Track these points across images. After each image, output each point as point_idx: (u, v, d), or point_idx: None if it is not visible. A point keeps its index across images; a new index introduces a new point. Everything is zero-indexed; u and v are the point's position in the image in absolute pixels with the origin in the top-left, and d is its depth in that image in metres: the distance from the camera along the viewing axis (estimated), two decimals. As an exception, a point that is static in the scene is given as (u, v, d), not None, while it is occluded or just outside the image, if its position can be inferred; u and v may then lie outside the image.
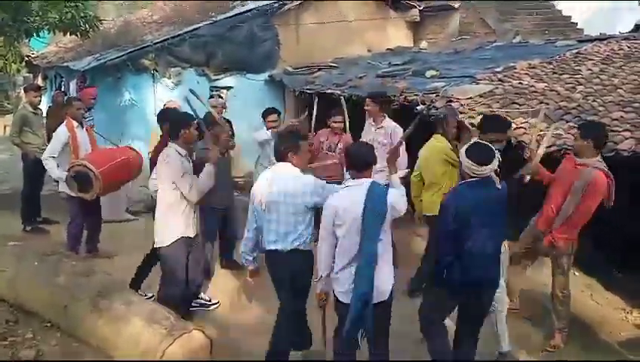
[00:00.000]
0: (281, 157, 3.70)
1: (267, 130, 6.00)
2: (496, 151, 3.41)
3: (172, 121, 4.31)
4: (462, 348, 3.60)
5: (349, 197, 3.28)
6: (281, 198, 3.59)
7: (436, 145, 4.88)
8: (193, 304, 4.74)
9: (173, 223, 4.12)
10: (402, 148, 4.66)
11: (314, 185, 3.61)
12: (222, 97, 6.89)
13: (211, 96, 6.79)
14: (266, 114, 6.10)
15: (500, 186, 3.37)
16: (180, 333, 3.57)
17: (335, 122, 6.02)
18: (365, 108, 5.77)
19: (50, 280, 4.36)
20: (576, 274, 5.58)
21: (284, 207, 3.58)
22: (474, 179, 3.31)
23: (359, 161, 3.36)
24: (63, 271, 4.47)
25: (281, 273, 3.70)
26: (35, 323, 4.31)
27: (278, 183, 3.62)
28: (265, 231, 3.70)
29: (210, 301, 5.01)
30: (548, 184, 4.41)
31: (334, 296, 3.41)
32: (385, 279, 3.32)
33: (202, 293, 4.96)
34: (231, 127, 6.16)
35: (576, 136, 4.24)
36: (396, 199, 3.33)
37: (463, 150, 3.38)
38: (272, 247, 3.67)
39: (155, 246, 4.30)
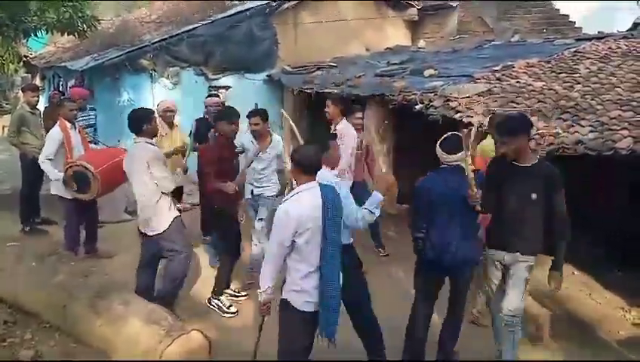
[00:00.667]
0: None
1: (249, 132, 5.32)
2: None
3: (133, 118, 4.42)
4: (444, 326, 3.98)
5: (307, 203, 3.10)
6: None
7: None
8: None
9: (163, 208, 4.34)
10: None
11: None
12: (219, 96, 6.83)
13: (208, 96, 6.74)
14: (249, 115, 5.28)
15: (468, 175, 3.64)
16: (178, 334, 3.57)
17: (356, 118, 5.96)
18: (325, 110, 5.56)
19: (48, 281, 4.36)
20: (575, 272, 5.59)
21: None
22: (444, 166, 3.71)
23: (308, 164, 3.18)
24: (61, 271, 4.48)
25: None
26: (34, 323, 4.31)
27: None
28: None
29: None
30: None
31: (287, 305, 3.23)
32: None
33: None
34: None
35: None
36: (349, 210, 3.50)
37: (439, 141, 3.73)
38: None
39: (149, 236, 4.42)
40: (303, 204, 3.10)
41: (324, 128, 6.03)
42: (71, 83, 9.82)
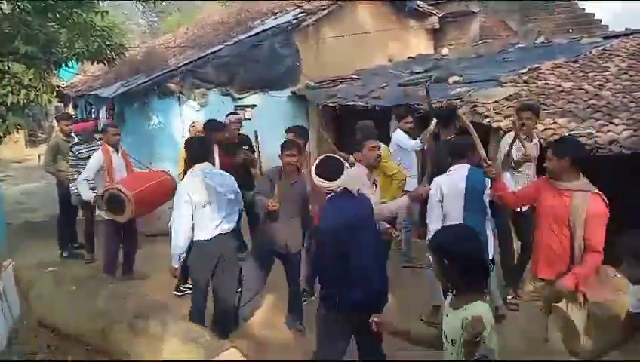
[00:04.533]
0: None
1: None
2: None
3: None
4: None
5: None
6: None
7: None
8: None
9: None
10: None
11: None
12: (237, 113, 6.87)
13: (229, 114, 6.80)
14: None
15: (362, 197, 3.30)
16: (217, 351, 3.58)
17: (407, 123, 6.01)
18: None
19: (88, 305, 4.44)
20: (617, 275, 5.42)
21: None
22: (331, 195, 3.22)
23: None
24: (100, 294, 4.55)
25: None
26: (76, 347, 4.38)
27: None
28: None
29: None
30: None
31: None
32: None
33: None
34: (249, 142, 6.19)
35: (548, 155, 3.46)
36: None
37: (313, 165, 3.27)
38: None
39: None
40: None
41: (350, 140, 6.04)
42: (102, 110, 10.06)
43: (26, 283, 5.07)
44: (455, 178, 4.11)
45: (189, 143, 4.52)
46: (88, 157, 6.27)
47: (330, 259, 3.23)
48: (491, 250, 4.21)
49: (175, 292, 5.39)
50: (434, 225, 4.04)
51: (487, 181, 3.84)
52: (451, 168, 4.18)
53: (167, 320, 4.02)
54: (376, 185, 4.37)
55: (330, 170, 3.17)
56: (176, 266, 4.20)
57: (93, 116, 10.55)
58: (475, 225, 3.24)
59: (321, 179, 3.17)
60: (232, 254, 4.42)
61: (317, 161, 3.25)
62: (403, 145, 5.88)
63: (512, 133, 5.04)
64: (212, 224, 4.15)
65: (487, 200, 4.09)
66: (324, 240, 3.28)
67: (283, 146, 4.50)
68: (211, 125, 5.87)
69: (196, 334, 3.78)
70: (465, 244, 2.29)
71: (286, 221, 4.43)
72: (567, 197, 3.32)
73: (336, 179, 3.15)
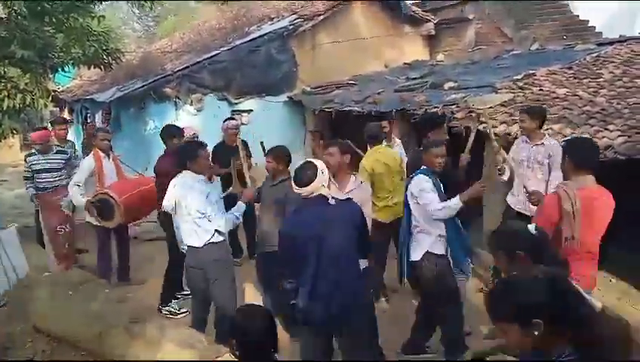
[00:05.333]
0: None
1: None
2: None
3: None
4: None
5: None
6: None
7: None
8: None
9: None
10: None
11: None
12: (234, 118, 6.85)
13: (226, 120, 6.78)
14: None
15: (333, 202, 3.14)
16: (213, 357, 3.58)
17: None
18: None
19: (84, 309, 4.43)
20: (612, 280, 5.45)
21: None
22: (304, 200, 3.18)
23: None
24: (96, 299, 4.54)
25: None
26: (72, 352, 4.37)
27: None
28: None
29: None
30: None
31: None
32: None
33: None
34: (247, 147, 6.15)
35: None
36: None
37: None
38: None
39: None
40: None
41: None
42: (98, 114, 10.06)
43: (22, 288, 5.06)
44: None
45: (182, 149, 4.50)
46: (41, 170, 6.16)
47: (287, 267, 3.22)
48: None
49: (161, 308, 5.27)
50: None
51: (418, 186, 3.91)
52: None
53: (163, 325, 4.01)
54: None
55: (303, 175, 3.13)
56: None
57: (89, 121, 10.54)
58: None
59: (295, 185, 3.17)
60: (226, 260, 4.37)
61: (297, 167, 3.24)
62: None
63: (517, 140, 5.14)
64: (203, 230, 4.11)
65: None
66: (281, 245, 3.24)
67: (267, 153, 4.69)
68: (168, 131, 5.57)
69: (193, 339, 3.78)
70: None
71: (270, 221, 4.45)
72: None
73: (308, 185, 3.11)
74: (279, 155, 4.56)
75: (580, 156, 3.29)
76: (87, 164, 5.66)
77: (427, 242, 3.95)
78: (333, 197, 3.18)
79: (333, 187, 3.42)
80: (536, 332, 1.68)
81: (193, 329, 4.14)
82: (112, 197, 5.12)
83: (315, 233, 3.08)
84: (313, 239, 3.08)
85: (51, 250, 6.06)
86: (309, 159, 3.34)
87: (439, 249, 3.95)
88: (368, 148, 5.19)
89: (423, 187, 3.90)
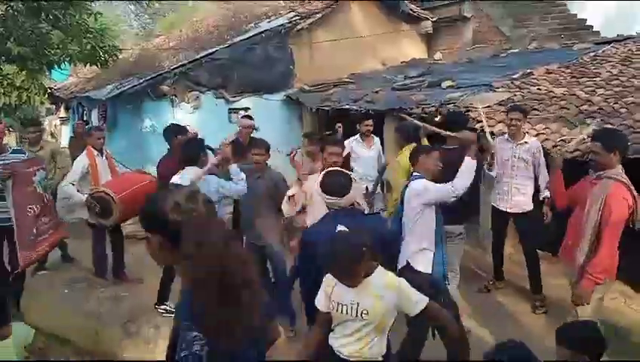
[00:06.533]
0: None
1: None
2: None
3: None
4: None
5: None
6: None
7: None
8: None
9: None
10: None
11: None
12: (250, 117, 6.77)
13: (242, 117, 6.80)
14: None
15: (366, 215, 3.14)
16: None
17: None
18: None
19: (80, 307, 4.42)
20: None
21: None
22: (333, 210, 3.04)
23: None
24: (92, 297, 4.53)
25: None
26: (68, 350, 4.36)
27: None
28: None
29: None
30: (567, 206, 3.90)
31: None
32: None
33: None
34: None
35: (596, 149, 3.49)
36: None
37: (318, 179, 3.10)
38: None
39: None
40: None
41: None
42: (95, 112, 10.02)
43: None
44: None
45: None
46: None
47: (314, 279, 2.86)
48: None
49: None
50: None
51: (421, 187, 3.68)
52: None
53: (159, 323, 4.00)
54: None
55: (337, 185, 2.98)
56: None
57: (85, 119, 10.50)
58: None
59: (327, 196, 2.98)
60: None
61: (322, 176, 3.08)
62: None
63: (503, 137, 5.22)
64: None
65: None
66: (310, 254, 2.96)
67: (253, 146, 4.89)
68: (173, 130, 5.66)
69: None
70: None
71: (253, 213, 4.67)
72: (595, 184, 3.47)
73: (344, 195, 2.96)
74: (268, 147, 4.78)
75: (624, 145, 3.51)
76: (81, 162, 5.61)
77: (408, 252, 3.66)
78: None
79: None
80: None
81: None
82: (109, 195, 5.09)
83: None
84: None
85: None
86: (336, 168, 3.27)
87: (421, 264, 3.63)
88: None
89: (426, 185, 3.66)
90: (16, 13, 6.93)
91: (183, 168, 4.30)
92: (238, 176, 4.43)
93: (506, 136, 5.22)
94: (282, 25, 10.23)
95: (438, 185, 3.69)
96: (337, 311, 2.56)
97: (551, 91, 6.42)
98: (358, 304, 2.48)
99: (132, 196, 5.20)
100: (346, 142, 5.53)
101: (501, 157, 5.08)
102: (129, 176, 6.06)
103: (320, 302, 2.64)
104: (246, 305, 1.60)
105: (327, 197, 2.99)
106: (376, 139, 6.49)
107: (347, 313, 2.52)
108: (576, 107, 5.74)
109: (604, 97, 5.88)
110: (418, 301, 2.52)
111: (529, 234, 5.23)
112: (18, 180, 4.87)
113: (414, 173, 3.80)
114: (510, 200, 5.16)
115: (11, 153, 5.22)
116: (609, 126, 4.90)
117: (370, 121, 6.31)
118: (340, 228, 2.59)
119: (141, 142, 9.35)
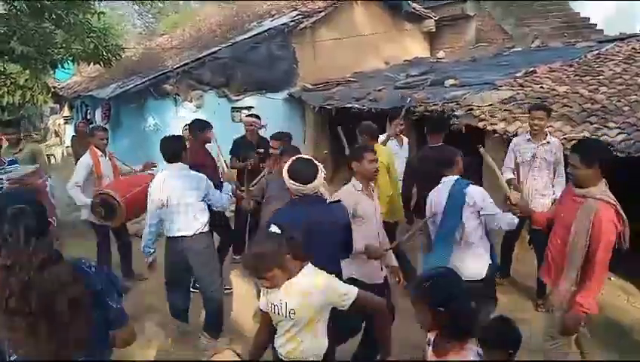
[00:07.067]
0: None
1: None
2: None
3: None
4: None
5: None
6: None
7: None
8: None
9: None
10: None
11: None
12: (256, 116, 6.75)
13: (247, 115, 6.82)
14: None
15: (328, 202, 3.18)
16: (211, 353, 3.59)
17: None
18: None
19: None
20: (612, 278, 5.45)
21: None
22: (298, 196, 3.11)
23: None
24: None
25: None
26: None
27: None
28: None
29: None
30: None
31: None
32: None
33: None
34: (267, 145, 6.08)
35: (574, 162, 3.11)
36: None
37: (285, 166, 3.15)
38: None
39: None
40: None
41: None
42: (98, 111, 10.06)
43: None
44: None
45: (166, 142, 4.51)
46: None
47: None
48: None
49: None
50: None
51: (471, 192, 3.65)
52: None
53: (163, 321, 4.02)
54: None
55: (305, 172, 3.07)
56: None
57: (88, 117, 10.54)
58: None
59: (293, 182, 3.08)
60: (213, 249, 4.45)
61: (290, 162, 3.15)
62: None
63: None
64: (195, 219, 4.18)
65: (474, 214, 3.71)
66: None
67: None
68: (197, 124, 5.71)
69: (192, 336, 3.78)
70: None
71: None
72: (579, 203, 3.07)
73: (310, 183, 3.06)
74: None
75: (606, 159, 3.12)
76: (85, 162, 5.63)
77: (485, 258, 3.73)
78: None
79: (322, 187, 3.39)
80: None
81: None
82: (113, 197, 5.11)
83: (310, 229, 3.02)
84: (307, 235, 2.97)
85: None
86: (306, 156, 3.32)
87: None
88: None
89: (489, 199, 3.64)
90: (19, 12, 6.96)
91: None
92: (227, 190, 4.49)
93: (527, 135, 4.99)
94: (285, 24, 10.24)
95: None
96: (271, 310, 2.60)
97: (554, 89, 6.41)
98: (285, 303, 2.50)
99: (136, 197, 5.22)
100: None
101: (521, 159, 4.87)
102: (132, 178, 6.04)
103: (261, 302, 2.70)
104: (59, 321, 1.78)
105: (292, 182, 3.08)
106: (405, 139, 6.42)
107: (278, 313, 2.55)
108: (580, 105, 5.73)
109: (608, 95, 5.87)
110: (347, 293, 2.51)
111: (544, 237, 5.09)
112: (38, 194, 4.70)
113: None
114: (530, 203, 4.93)
115: (8, 165, 5.08)
116: (591, 137, 4.77)
117: (402, 121, 6.21)
118: (273, 228, 2.56)
119: (144, 140, 9.37)
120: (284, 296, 2.50)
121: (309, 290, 2.47)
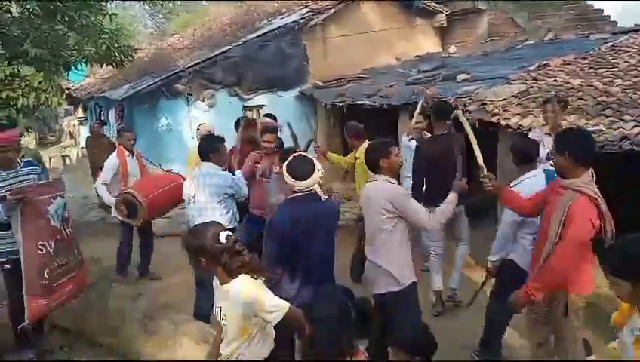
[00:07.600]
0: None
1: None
2: None
3: None
4: None
5: None
6: None
7: None
8: None
9: None
10: None
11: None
12: (272, 116, 6.65)
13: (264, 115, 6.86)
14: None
15: (324, 199, 3.23)
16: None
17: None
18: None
19: (100, 304, 4.48)
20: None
21: None
22: (296, 194, 3.19)
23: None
24: (112, 294, 4.59)
25: None
26: (88, 347, 4.42)
27: None
28: None
29: None
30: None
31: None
32: None
33: None
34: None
35: (553, 151, 3.10)
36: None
37: (284, 164, 3.26)
38: None
39: None
40: None
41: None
42: (112, 112, 10.14)
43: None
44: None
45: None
46: None
47: (276, 257, 3.20)
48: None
49: None
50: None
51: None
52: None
53: (179, 320, 4.04)
54: None
55: (302, 169, 3.15)
56: None
57: (102, 118, 10.63)
58: None
59: (291, 178, 3.16)
60: None
61: (290, 159, 3.23)
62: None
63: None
64: (221, 215, 4.29)
65: None
66: (271, 234, 3.25)
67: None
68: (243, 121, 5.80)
69: (208, 334, 3.80)
70: None
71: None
72: (561, 195, 2.99)
73: (306, 179, 3.13)
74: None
75: (590, 151, 3.07)
76: (112, 162, 5.78)
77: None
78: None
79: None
80: None
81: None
82: (135, 197, 5.17)
83: (308, 226, 3.17)
84: (305, 232, 3.17)
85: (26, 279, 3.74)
86: (303, 154, 3.39)
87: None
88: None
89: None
90: (32, 15, 7.03)
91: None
92: (242, 180, 4.56)
93: (544, 129, 4.88)
94: (295, 21, 10.24)
95: None
96: (216, 313, 2.63)
97: (568, 83, 6.34)
98: (221, 308, 2.54)
99: (159, 197, 5.27)
100: (404, 143, 5.83)
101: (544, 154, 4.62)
102: (157, 177, 6.08)
103: None
104: None
105: (288, 177, 3.18)
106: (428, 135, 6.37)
107: (218, 316, 2.58)
108: (594, 98, 5.66)
109: (622, 88, 5.79)
110: (276, 309, 2.45)
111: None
112: (29, 210, 3.71)
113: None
114: None
115: (23, 167, 4.06)
116: (573, 126, 4.72)
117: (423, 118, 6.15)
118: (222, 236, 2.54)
119: (157, 140, 9.44)
120: (221, 301, 2.55)
121: (237, 299, 2.45)
